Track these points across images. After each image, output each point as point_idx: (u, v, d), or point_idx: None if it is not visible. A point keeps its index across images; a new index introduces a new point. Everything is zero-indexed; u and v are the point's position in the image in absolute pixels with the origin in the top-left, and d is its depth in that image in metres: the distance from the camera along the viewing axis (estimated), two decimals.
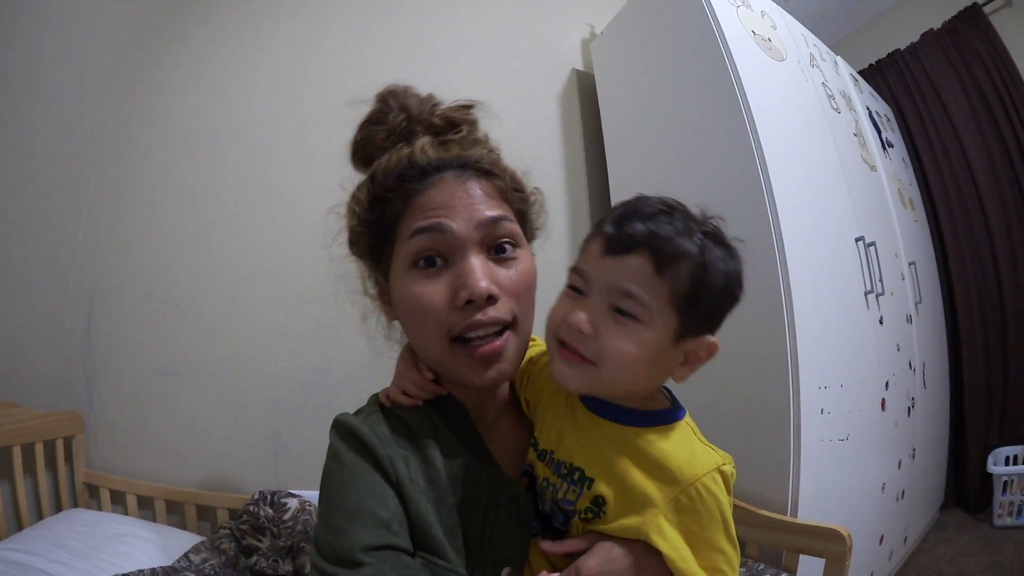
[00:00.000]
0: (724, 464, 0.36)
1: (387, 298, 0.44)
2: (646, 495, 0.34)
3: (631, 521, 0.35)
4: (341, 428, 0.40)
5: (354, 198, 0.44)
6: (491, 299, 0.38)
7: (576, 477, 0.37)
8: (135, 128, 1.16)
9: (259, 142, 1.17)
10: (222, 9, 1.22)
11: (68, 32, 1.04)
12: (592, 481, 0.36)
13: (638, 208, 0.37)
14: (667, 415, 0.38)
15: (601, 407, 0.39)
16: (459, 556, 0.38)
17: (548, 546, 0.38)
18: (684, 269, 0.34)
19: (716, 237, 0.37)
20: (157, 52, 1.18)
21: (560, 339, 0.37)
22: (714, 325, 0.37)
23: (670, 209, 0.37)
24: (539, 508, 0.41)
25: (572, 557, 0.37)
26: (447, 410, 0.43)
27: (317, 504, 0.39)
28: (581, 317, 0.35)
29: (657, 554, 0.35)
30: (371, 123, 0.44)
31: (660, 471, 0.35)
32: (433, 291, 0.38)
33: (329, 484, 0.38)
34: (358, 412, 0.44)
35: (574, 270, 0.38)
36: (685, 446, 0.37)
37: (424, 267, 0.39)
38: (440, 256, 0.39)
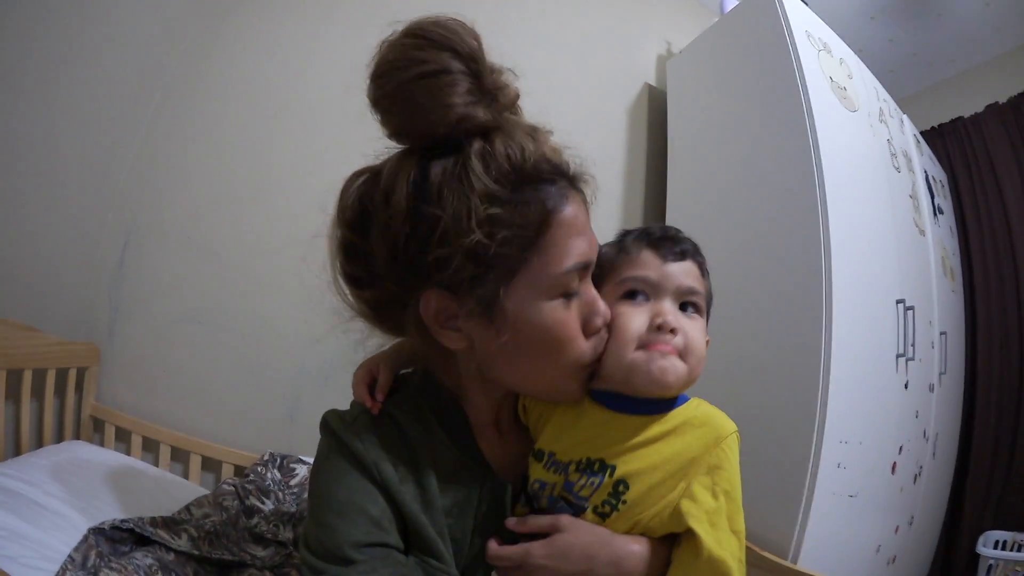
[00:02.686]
0: (736, 428, 0.40)
1: (472, 315, 0.36)
2: (677, 463, 0.37)
3: (658, 494, 0.36)
4: (328, 427, 0.40)
5: (482, 194, 0.33)
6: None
7: (596, 468, 0.38)
8: (198, 75, 1.15)
9: (319, 108, 1.16)
10: None
11: None
12: (613, 468, 0.37)
13: (668, 228, 0.45)
14: (682, 397, 0.41)
15: (623, 404, 0.40)
16: (450, 556, 0.38)
17: (512, 524, 0.39)
18: (708, 279, 0.44)
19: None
20: (236, 4, 1.18)
21: (649, 342, 0.39)
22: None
23: (686, 236, 0.45)
24: (534, 508, 0.41)
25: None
26: (445, 412, 0.42)
27: (308, 500, 0.39)
28: (671, 312, 0.39)
29: (632, 552, 0.36)
30: (428, 79, 0.32)
31: (693, 439, 0.38)
32: (573, 321, 0.37)
33: (316, 480, 0.38)
34: (348, 410, 0.42)
35: (634, 279, 0.41)
36: (708, 413, 0.40)
37: (566, 300, 0.37)
38: (577, 291, 0.38)
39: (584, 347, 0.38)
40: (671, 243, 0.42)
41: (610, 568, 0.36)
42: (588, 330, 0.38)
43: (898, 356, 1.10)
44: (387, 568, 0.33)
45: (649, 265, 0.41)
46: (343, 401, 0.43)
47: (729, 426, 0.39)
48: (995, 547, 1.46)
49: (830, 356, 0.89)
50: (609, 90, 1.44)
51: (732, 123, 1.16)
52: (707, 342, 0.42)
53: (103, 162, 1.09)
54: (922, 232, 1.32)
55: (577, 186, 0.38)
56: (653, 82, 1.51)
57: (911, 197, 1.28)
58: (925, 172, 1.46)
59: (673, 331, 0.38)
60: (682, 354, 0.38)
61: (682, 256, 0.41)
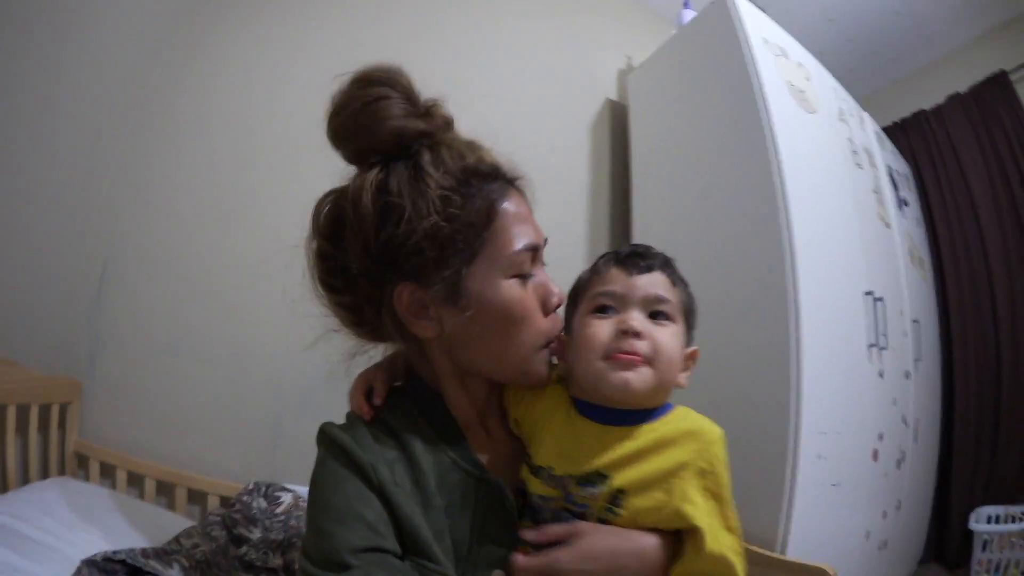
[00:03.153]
0: (722, 432, 0.41)
1: (441, 301, 0.40)
2: (670, 470, 0.38)
3: (657, 500, 0.38)
4: (324, 437, 0.41)
5: (435, 187, 0.39)
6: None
7: (594, 480, 0.39)
8: (170, 101, 1.16)
9: (291, 133, 1.18)
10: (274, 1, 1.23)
11: (117, 4, 1.05)
12: (610, 478, 0.39)
13: (637, 246, 0.46)
14: (667, 405, 0.43)
15: (609, 416, 0.41)
16: (448, 558, 0.38)
17: (531, 536, 0.40)
18: (682, 289, 0.45)
19: (682, 276, 0.47)
20: (200, 29, 1.19)
21: (614, 350, 0.40)
22: (691, 339, 0.46)
23: (656, 251, 0.47)
24: (537, 521, 0.41)
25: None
26: (434, 416, 0.44)
27: (307, 511, 0.40)
28: (637, 321, 0.41)
29: (649, 544, 0.38)
30: (369, 106, 0.39)
31: (681, 445, 0.39)
32: (530, 300, 0.42)
33: (315, 490, 0.39)
34: (344, 422, 0.44)
35: (602, 294, 0.43)
36: (693, 420, 0.42)
37: (522, 280, 0.42)
38: (530, 273, 0.43)
39: (542, 324, 0.42)
40: (637, 258, 0.44)
41: (635, 561, 0.37)
42: (546, 309, 0.43)
43: (870, 346, 1.13)
44: (382, 571, 0.34)
45: (616, 280, 0.43)
46: (323, 423, 0.44)
47: (715, 431, 0.41)
48: (988, 522, 1.48)
49: (800, 350, 0.91)
50: (571, 107, 1.47)
51: (694, 133, 1.19)
52: (693, 352, 0.44)
53: (78, 194, 1.09)
54: (887, 225, 1.36)
55: (515, 184, 0.44)
56: (614, 97, 1.54)
57: (874, 192, 1.33)
58: (888, 167, 1.51)
59: (638, 335, 0.40)
60: (650, 360, 0.40)
61: (648, 269, 0.43)
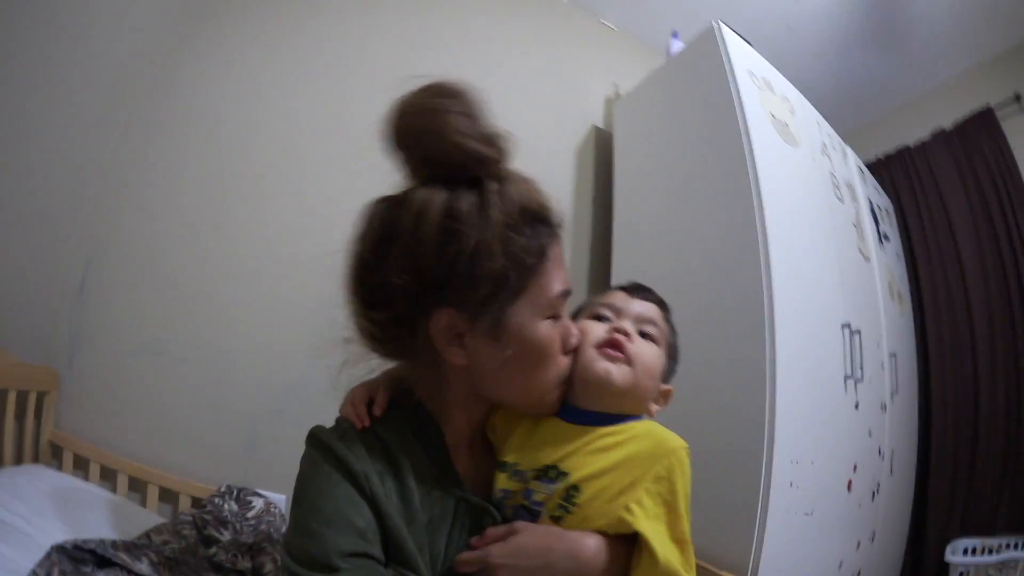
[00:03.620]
0: (686, 445, 0.43)
1: (481, 333, 0.40)
2: (627, 470, 0.40)
3: (607, 497, 0.39)
4: (317, 441, 0.42)
5: (500, 222, 0.38)
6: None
7: (551, 475, 0.41)
8: (157, 102, 1.17)
9: (285, 144, 1.20)
10: (268, 5, 1.26)
11: (106, 6, 1.07)
12: (567, 475, 0.41)
13: (641, 284, 0.53)
14: (635, 417, 0.46)
15: (582, 417, 0.44)
16: (429, 572, 0.39)
17: (475, 541, 0.41)
18: (670, 330, 0.50)
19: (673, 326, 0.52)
20: (199, 35, 1.21)
21: (605, 343, 0.45)
22: (668, 380, 0.50)
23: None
24: (503, 516, 0.43)
25: None
26: (424, 433, 0.45)
27: (289, 508, 0.41)
28: (628, 325, 0.46)
29: (587, 546, 0.39)
30: (434, 113, 0.38)
31: (639, 451, 0.41)
32: (558, 340, 0.44)
33: (304, 490, 0.39)
34: (334, 427, 0.45)
35: (602, 305, 0.49)
36: (657, 429, 0.44)
37: (553, 320, 0.43)
38: (560, 316, 0.45)
39: (564, 362, 0.45)
40: (640, 289, 0.51)
41: (568, 560, 0.38)
42: (565, 349, 0.45)
43: (846, 378, 1.15)
44: None
45: (616, 298, 0.50)
46: (297, 433, 0.45)
47: (677, 441, 0.43)
48: (965, 553, 1.48)
49: (775, 379, 0.93)
50: (558, 132, 1.50)
51: (676, 161, 1.22)
52: (668, 390, 0.48)
53: (68, 187, 1.10)
54: (867, 258, 1.39)
55: (558, 229, 0.45)
56: (600, 124, 1.57)
57: (855, 225, 1.36)
58: (869, 201, 1.54)
59: (627, 335, 0.45)
60: (631, 362, 0.44)
61: (646, 298, 0.50)
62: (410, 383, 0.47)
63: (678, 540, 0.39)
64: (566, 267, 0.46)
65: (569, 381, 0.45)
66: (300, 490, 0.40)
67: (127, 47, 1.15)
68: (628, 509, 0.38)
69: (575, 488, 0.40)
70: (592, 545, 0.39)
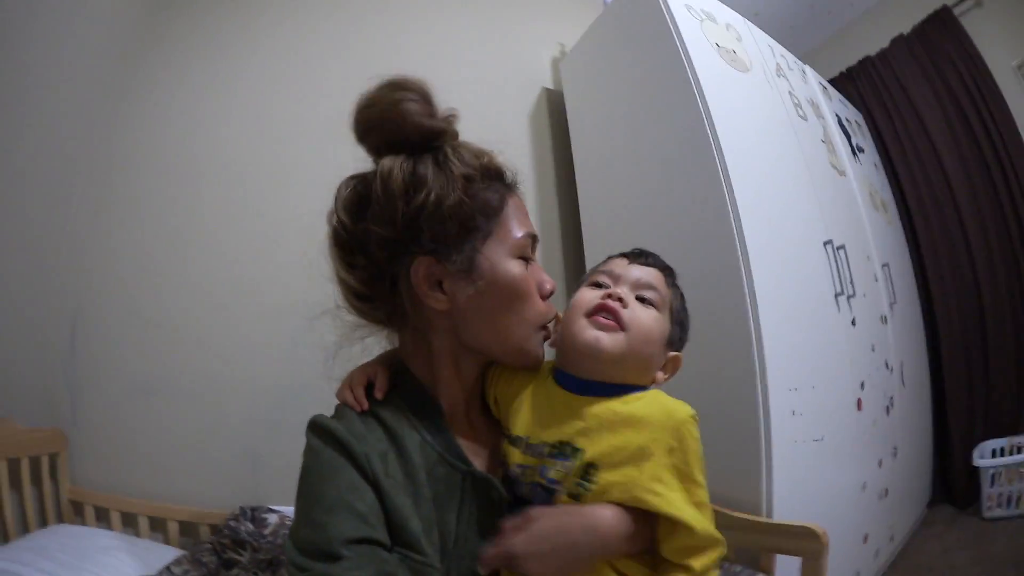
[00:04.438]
0: (694, 412, 0.43)
1: (457, 274, 0.44)
2: (641, 446, 0.39)
3: (627, 476, 0.39)
4: (317, 427, 0.42)
5: (459, 174, 0.43)
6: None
7: (567, 451, 0.40)
8: (115, 146, 1.18)
9: (237, 161, 1.20)
10: (203, 27, 1.25)
11: (51, 50, 1.06)
12: (582, 452, 0.40)
13: (644, 250, 0.51)
14: (640, 387, 0.45)
15: (584, 387, 0.43)
16: (435, 551, 0.39)
17: (494, 543, 0.40)
18: (675, 294, 0.48)
19: (682, 292, 0.51)
20: (138, 71, 1.21)
21: (596, 308, 0.44)
22: (678, 349, 0.49)
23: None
24: (516, 494, 0.43)
25: None
26: (422, 409, 0.45)
27: (295, 500, 0.40)
28: (624, 290, 0.45)
29: (603, 517, 0.38)
30: (394, 104, 0.43)
31: (650, 424, 0.40)
32: (532, 281, 0.46)
33: (306, 480, 0.39)
34: (334, 415, 0.45)
35: (601, 272, 0.48)
36: (665, 400, 0.43)
37: (523, 262, 0.46)
38: (529, 258, 0.48)
39: (540, 305, 0.46)
40: (640, 254, 0.49)
41: (589, 535, 0.38)
42: (542, 294, 0.47)
43: (837, 295, 1.12)
44: (372, 565, 0.35)
45: (616, 264, 0.48)
46: (296, 441, 0.45)
47: (686, 410, 0.42)
48: (992, 455, 1.47)
49: (757, 306, 0.90)
50: (509, 99, 1.47)
51: (628, 111, 1.19)
52: (676, 357, 0.47)
53: (39, 251, 1.11)
54: (842, 173, 1.35)
55: (515, 189, 0.49)
56: (550, 85, 1.54)
57: (824, 142, 1.32)
58: (837, 116, 1.50)
59: (620, 300, 0.43)
60: (625, 328, 0.42)
61: (647, 263, 0.48)
62: (404, 356, 0.48)
63: (696, 504, 0.39)
64: (527, 216, 0.48)
65: (569, 347, 0.45)
66: (303, 481, 0.40)
67: (68, 102, 1.14)
68: (651, 491, 0.38)
69: (592, 466, 0.39)
70: (609, 515, 0.38)
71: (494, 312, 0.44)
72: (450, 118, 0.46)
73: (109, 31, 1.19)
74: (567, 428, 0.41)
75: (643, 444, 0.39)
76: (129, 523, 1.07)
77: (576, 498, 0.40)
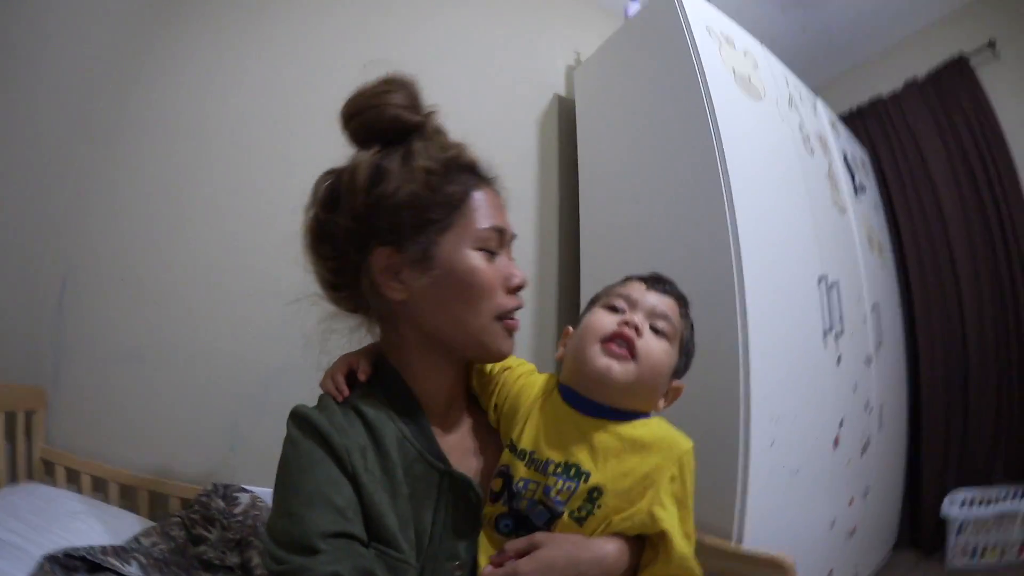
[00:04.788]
0: (692, 444, 0.44)
1: (413, 264, 0.44)
2: (646, 474, 0.41)
3: (631, 502, 0.40)
4: (298, 418, 0.42)
5: (421, 167, 0.44)
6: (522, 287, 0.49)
7: (572, 473, 0.41)
8: (124, 113, 1.17)
9: (242, 139, 1.20)
10: (216, 7, 1.25)
11: (65, 17, 1.06)
12: (588, 475, 0.40)
13: (662, 275, 0.51)
14: (645, 414, 0.46)
15: (592, 408, 0.44)
16: (411, 548, 0.39)
17: (494, 558, 0.41)
18: (687, 324, 0.49)
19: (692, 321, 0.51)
20: (151, 41, 1.20)
21: (612, 335, 0.44)
22: (680, 376, 0.49)
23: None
24: (513, 507, 0.42)
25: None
26: (403, 406, 0.45)
27: (272, 494, 0.40)
28: (640, 319, 0.45)
29: (609, 551, 0.39)
30: (378, 94, 0.45)
31: (655, 452, 0.42)
32: (493, 273, 0.46)
33: (285, 471, 0.40)
34: (316, 405, 0.46)
35: (617, 295, 0.48)
36: (669, 429, 0.45)
37: (488, 256, 0.46)
38: (495, 251, 0.47)
39: (502, 298, 0.46)
40: (659, 281, 0.49)
41: (594, 568, 0.39)
42: (508, 287, 0.47)
43: (825, 332, 1.14)
44: (349, 559, 0.35)
45: (634, 289, 0.48)
46: (277, 425, 0.45)
47: (686, 443, 0.43)
48: (962, 505, 1.48)
49: (748, 335, 0.91)
50: (519, 103, 1.47)
51: (638, 123, 1.20)
52: (679, 386, 0.48)
53: (37, 204, 1.10)
54: (842, 210, 1.37)
55: (490, 181, 0.50)
56: (563, 92, 1.54)
57: (828, 178, 1.33)
58: (843, 153, 1.51)
59: (637, 330, 0.44)
60: (637, 358, 0.43)
61: (665, 292, 0.48)
62: (384, 348, 0.49)
63: (687, 535, 0.41)
64: (504, 214, 0.49)
65: (578, 369, 0.45)
66: (282, 472, 0.40)
67: (92, 53, 1.14)
68: (654, 514, 0.39)
69: (597, 490, 0.40)
70: (613, 550, 0.39)
71: (449, 302, 0.45)
72: (430, 113, 0.47)
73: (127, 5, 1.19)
74: (574, 449, 0.42)
75: (648, 471, 0.40)
76: (99, 488, 1.05)
77: (579, 521, 0.40)
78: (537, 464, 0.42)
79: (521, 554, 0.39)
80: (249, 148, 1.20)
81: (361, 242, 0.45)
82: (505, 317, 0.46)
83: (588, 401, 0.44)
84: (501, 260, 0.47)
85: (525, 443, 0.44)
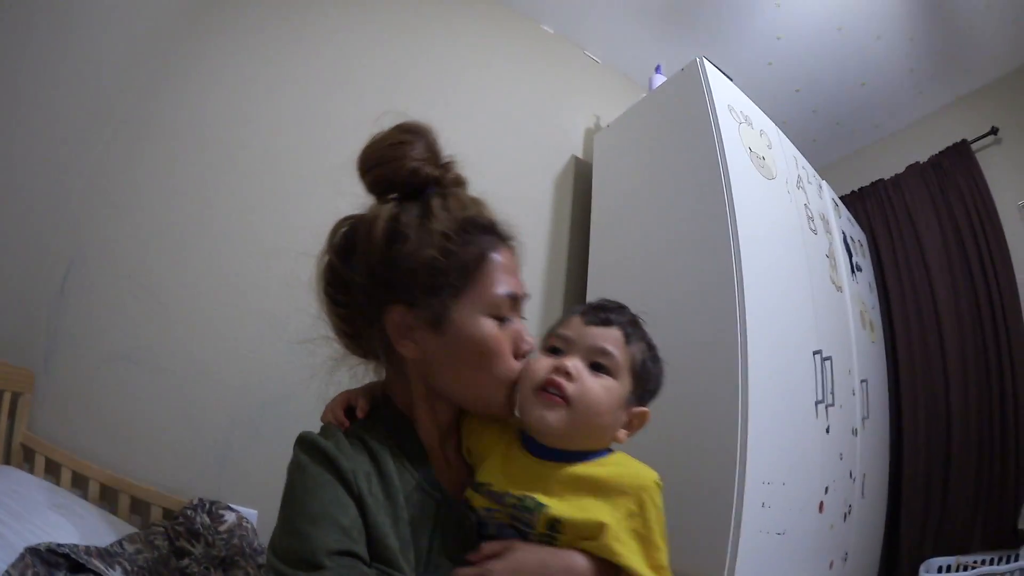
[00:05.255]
0: (658, 478, 0.44)
1: (426, 326, 0.45)
2: (601, 512, 0.41)
3: (588, 538, 0.40)
4: (306, 443, 0.43)
5: (438, 230, 0.44)
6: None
7: (529, 504, 0.42)
8: (150, 112, 1.19)
9: (271, 155, 1.22)
10: (259, 17, 1.29)
11: (106, 9, 1.08)
12: (545, 507, 0.41)
13: (608, 302, 0.50)
14: (604, 451, 0.46)
15: (546, 453, 0.45)
16: (411, 569, 0.40)
17: (471, 557, 0.42)
18: (639, 349, 0.47)
19: (650, 340, 0.50)
20: (189, 44, 1.23)
21: (543, 384, 0.44)
22: (646, 401, 0.49)
23: (626, 309, 0.51)
24: (483, 535, 0.44)
25: None
26: (402, 438, 0.47)
27: (277, 514, 0.41)
28: (572, 362, 0.44)
29: (579, 562, 0.40)
30: (395, 145, 0.46)
31: (611, 489, 0.42)
32: (503, 340, 0.46)
33: (292, 492, 0.41)
34: (321, 432, 0.47)
35: (556, 336, 0.48)
36: (628, 465, 0.45)
37: (500, 323, 0.46)
38: (507, 317, 0.47)
39: (512, 364, 0.47)
40: (599, 311, 0.48)
41: (565, 574, 0.40)
42: (516, 353, 0.47)
43: (817, 403, 1.19)
44: None
45: (572, 327, 0.47)
46: (270, 450, 0.46)
47: (648, 476, 0.43)
48: (939, 571, 1.50)
49: (748, 402, 0.96)
50: (538, 162, 1.53)
51: (654, 192, 1.26)
52: (642, 412, 0.47)
53: (53, 188, 1.09)
54: (839, 288, 1.44)
55: (507, 241, 0.50)
56: (580, 155, 1.61)
57: (828, 256, 1.41)
58: (843, 233, 1.61)
59: (567, 375, 0.43)
60: (571, 401, 0.43)
61: (605, 323, 0.47)
62: (387, 388, 0.51)
63: (655, 567, 0.40)
64: (518, 275, 0.49)
65: (523, 418, 0.46)
66: (288, 493, 0.41)
67: (119, 51, 1.16)
68: (613, 549, 0.39)
69: (557, 521, 0.41)
70: (583, 562, 0.41)
71: (460, 366, 0.46)
72: (449, 163, 0.48)
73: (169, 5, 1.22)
74: (529, 488, 0.43)
75: (602, 506, 0.41)
76: (79, 485, 1.02)
77: (546, 541, 0.41)
78: (495, 496, 0.44)
79: (495, 556, 0.41)
80: (280, 166, 1.22)
81: (375, 296, 0.46)
82: (513, 383, 0.47)
83: (542, 446, 0.45)
84: (512, 325, 0.48)
85: (482, 477, 0.46)
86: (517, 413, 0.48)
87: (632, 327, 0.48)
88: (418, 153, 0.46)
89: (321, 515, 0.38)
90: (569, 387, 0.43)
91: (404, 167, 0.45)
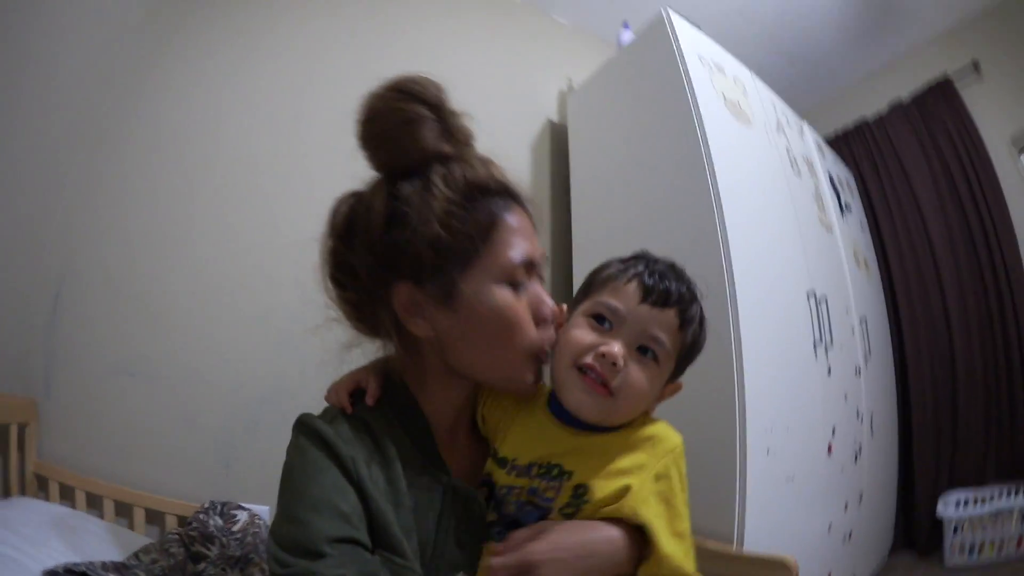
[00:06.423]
0: (682, 441, 0.43)
1: (436, 302, 0.43)
2: (629, 472, 0.39)
3: (615, 499, 0.39)
4: (305, 427, 0.42)
5: (441, 202, 0.41)
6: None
7: (555, 473, 0.40)
8: (127, 122, 1.17)
9: (248, 156, 1.21)
10: (227, 20, 1.27)
11: (77, 19, 1.07)
12: (571, 474, 0.40)
13: (667, 270, 0.45)
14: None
15: (577, 423, 0.42)
16: (415, 557, 0.39)
17: (499, 547, 0.40)
18: (691, 332, 0.44)
19: (703, 316, 0.46)
20: (160, 52, 1.21)
21: (585, 366, 0.41)
22: (681, 375, 0.47)
23: (685, 275, 0.46)
24: (502, 513, 0.42)
25: None
26: (408, 418, 0.45)
27: (276, 500, 0.40)
28: (619, 351, 0.40)
29: (616, 534, 0.39)
30: (404, 125, 0.42)
31: (640, 449, 0.41)
32: (522, 307, 0.43)
33: (291, 477, 0.40)
34: (321, 415, 0.45)
35: (605, 305, 0.43)
36: (656, 426, 0.43)
37: (515, 289, 0.43)
38: (524, 282, 0.44)
39: (533, 333, 0.44)
40: (661, 289, 0.42)
41: (607, 546, 0.38)
42: (537, 319, 0.44)
43: (815, 344, 1.18)
44: (355, 564, 0.35)
45: (628, 299, 0.42)
46: (272, 444, 0.45)
47: (674, 439, 0.42)
48: (957, 506, 1.50)
49: (741, 349, 0.95)
50: (512, 128, 1.51)
51: (631, 148, 1.24)
52: (677, 386, 0.45)
53: (34, 212, 1.08)
54: (829, 229, 1.43)
55: (520, 201, 0.47)
56: (555, 118, 1.58)
57: (815, 198, 1.40)
58: (829, 174, 1.59)
59: (615, 364, 0.40)
60: (615, 391, 0.40)
61: (664, 304, 0.42)
62: (395, 366, 0.48)
63: (677, 534, 0.39)
64: (533, 238, 0.46)
65: (555, 385, 0.44)
66: (286, 478, 0.40)
67: (90, 70, 1.14)
68: (637, 511, 0.38)
69: (583, 487, 0.39)
70: (617, 534, 0.39)
71: (476, 340, 0.43)
72: (461, 129, 0.45)
73: (137, 10, 1.20)
74: (556, 453, 0.41)
75: (632, 471, 0.40)
76: (94, 505, 1.04)
77: (568, 517, 0.40)
78: (519, 470, 0.42)
79: (530, 540, 0.39)
80: (257, 166, 1.21)
81: (381, 276, 0.43)
82: (536, 354, 0.44)
83: (573, 417, 0.43)
84: (530, 289, 0.45)
85: (506, 451, 0.44)
86: (547, 383, 0.46)
87: (688, 308, 0.43)
88: (432, 133, 0.42)
89: (321, 501, 0.37)
90: (615, 380, 0.40)
91: (416, 152, 0.42)
